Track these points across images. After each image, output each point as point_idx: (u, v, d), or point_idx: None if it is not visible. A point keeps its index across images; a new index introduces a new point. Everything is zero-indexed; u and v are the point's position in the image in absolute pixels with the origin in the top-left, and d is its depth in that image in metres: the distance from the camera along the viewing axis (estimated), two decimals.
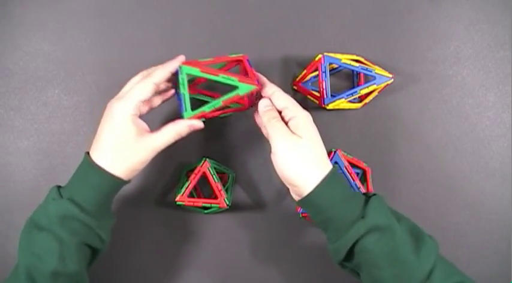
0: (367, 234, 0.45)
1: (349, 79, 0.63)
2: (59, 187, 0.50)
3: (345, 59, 0.56)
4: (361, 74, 0.61)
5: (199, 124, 0.51)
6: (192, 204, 0.57)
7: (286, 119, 0.49)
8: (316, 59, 0.56)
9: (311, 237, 0.62)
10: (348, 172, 0.57)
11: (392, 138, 0.62)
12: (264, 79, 0.52)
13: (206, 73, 0.50)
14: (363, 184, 0.59)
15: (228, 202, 0.57)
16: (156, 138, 0.49)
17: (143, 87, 0.49)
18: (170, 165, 0.62)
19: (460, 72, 0.62)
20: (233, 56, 0.54)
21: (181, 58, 0.51)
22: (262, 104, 0.50)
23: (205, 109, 0.50)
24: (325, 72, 0.55)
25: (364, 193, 0.49)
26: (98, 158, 0.48)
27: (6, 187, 0.62)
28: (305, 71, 0.59)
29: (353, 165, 0.60)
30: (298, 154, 0.47)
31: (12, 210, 0.62)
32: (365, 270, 0.47)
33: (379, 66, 0.59)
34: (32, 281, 0.46)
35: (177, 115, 0.52)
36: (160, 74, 0.50)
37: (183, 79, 0.49)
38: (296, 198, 0.49)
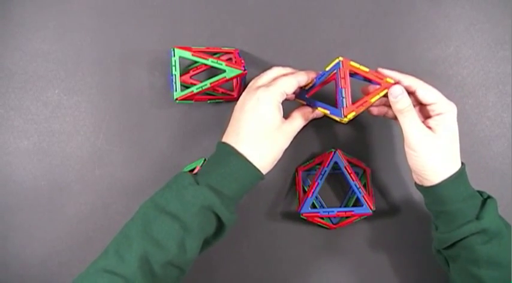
0: (477, 234, 0.47)
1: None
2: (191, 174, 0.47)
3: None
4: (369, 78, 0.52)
5: (317, 113, 0.52)
6: None
7: (433, 113, 0.48)
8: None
9: (311, 237, 0.62)
10: (348, 172, 0.57)
11: (392, 138, 0.62)
12: (396, 73, 0.50)
13: (197, 57, 0.54)
14: (362, 184, 0.59)
15: None
16: (291, 124, 0.50)
17: (289, 81, 0.49)
18: (170, 165, 0.62)
19: (460, 72, 0.62)
20: (225, 48, 0.60)
21: (314, 74, 0.52)
22: (398, 90, 0.47)
23: (194, 89, 0.55)
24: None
25: (479, 192, 0.50)
26: (242, 148, 0.47)
27: (6, 187, 0.62)
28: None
29: (353, 165, 0.60)
30: (434, 149, 0.47)
31: (12, 210, 0.62)
32: (461, 263, 0.49)
33: (379, 66, 0.54)
34: (149, 268, 0.43)
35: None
36: (304, 77, 0.50)
37: (175, 61, 0.54)
38: (418, 183, 0.51)
